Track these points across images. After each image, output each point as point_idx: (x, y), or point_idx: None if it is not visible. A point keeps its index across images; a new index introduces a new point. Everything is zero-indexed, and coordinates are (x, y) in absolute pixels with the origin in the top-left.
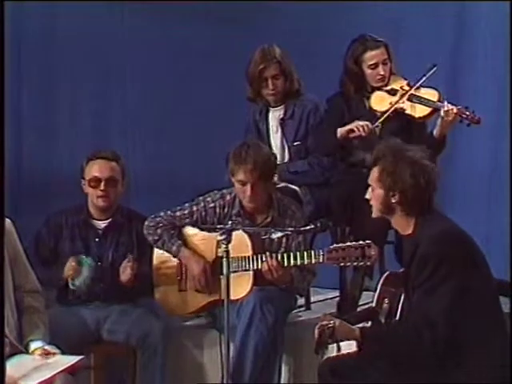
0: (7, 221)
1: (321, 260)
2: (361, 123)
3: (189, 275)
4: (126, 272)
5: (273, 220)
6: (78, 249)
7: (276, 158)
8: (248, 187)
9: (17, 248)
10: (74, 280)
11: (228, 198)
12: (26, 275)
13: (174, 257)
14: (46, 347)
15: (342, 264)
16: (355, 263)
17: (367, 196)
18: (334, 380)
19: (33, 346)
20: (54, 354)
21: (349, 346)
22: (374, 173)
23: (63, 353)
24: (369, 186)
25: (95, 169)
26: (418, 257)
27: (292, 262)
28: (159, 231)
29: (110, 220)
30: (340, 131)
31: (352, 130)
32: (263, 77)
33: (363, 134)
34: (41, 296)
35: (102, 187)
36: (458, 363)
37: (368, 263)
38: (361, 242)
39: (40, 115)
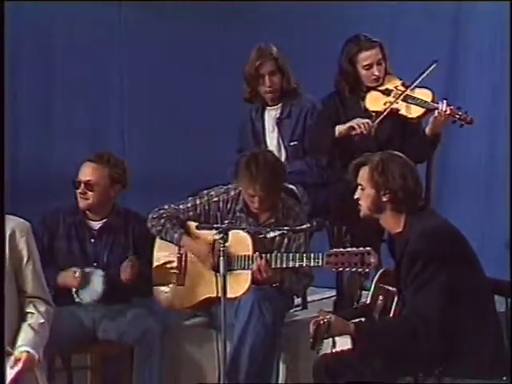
0: (25, 222)
1: (320, 264)
2: (362, 121)
3: (189, 269)
4: (126, 271)
5: (277, 220)
6: (74, 249)
7: (283, 166)
8: (256, 199)
9: (30, 251)
10: (78, 292)
11: (232, 193)
12: (32, 281)
13: (177, 245)
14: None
15: (340, 269)
16: (354, 269)
17: (356, 195)
18: (328, 378)
19: (16, 351)
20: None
21: (344, 343)
22: (364, 172)
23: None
24: (357, 185)
25: (80, 170)
26: (407, 254)
27: (291, 263)
28: (162, 221)
29: (104, 221)
30: (339, 129)
31: (353, 128)
32: (260, 74)
33: (364, 131)
34: (44, 302)
35: (80, 189)
36: (452, 359)
37: (367, 270)
38: (361, 249)
39: (36, 115)
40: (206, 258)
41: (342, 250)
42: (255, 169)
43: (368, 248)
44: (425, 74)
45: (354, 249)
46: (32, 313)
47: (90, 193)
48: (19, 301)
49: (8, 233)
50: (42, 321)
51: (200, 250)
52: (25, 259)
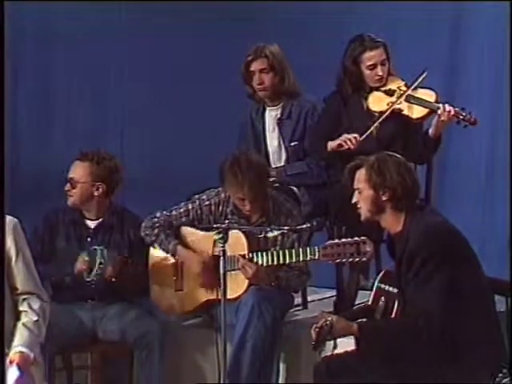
0: (13, 219)
1: (316, 257)
2: (348, 136)
3: (186, 274)
4: (107, 268)
5: (268, 218)
6: (73, 247)
7: (266, 164)
8: (247, 202)
9: (19, 247)
10: (89, 273)
11: (223, 195)
12: (23, 277)
13: (172, 256)
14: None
15: (337, 260)
16: (350, 259)
17: (354, 199)
18: (329, 379)
19: (11, 352)
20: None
21: (346, 345)
22: (361, 174)
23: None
24: (354, 190)
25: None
26: (408, 252)
27: (288, 259)
28: (156, 231)
29: (100, 220)
30: (330, 145)
31: (341, 145)
32: (250, 70)
33: (352, 146)
34: (37, 298)
35: (66, 186)
36: (454, 358)
37: (363, 259)
38: (356, 238)
39: (36, 115)
40: (197, 276)
41: (337, 241)
42: (240, 172)
43: (363, 237)
44: (425, 74)
45: (349, 239)
46: (25, 311)
47: (73, 190)
48: (12, 299)
49: None
50: (36, 318)
51: (193, 266)
52: (14, 256)
